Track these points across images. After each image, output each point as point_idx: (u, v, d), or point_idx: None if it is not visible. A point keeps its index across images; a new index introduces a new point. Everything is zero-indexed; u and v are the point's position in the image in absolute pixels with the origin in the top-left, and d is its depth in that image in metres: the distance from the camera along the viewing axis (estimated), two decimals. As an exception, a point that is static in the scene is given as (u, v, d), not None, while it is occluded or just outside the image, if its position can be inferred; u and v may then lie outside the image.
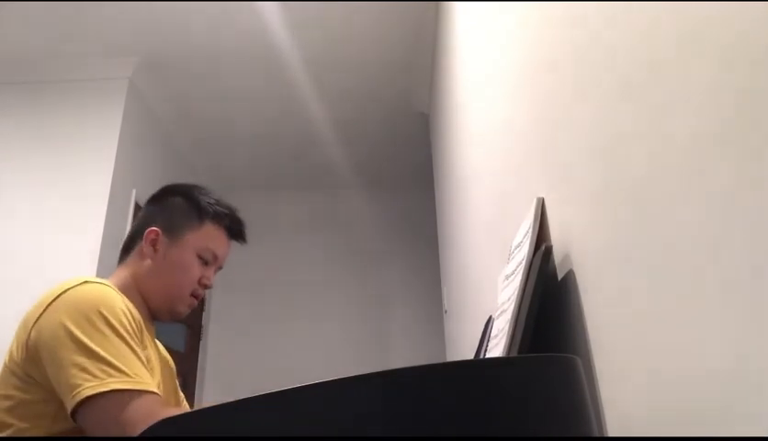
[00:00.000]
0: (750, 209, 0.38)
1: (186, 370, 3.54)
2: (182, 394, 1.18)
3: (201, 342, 3.87)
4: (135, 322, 0.93)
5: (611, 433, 0.62)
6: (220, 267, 1.17)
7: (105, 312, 0.87)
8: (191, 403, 3.49)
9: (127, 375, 0.82)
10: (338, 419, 0.36)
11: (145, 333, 0.97)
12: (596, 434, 0.44)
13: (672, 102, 0.48)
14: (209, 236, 1.12)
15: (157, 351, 1.06)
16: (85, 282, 0.92)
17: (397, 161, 3.99)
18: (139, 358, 0.87)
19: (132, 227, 1.15)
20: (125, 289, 1.03)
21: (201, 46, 2.89)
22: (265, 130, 3.61)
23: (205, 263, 1.11)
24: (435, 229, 3.25)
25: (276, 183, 4.26)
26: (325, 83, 3.18)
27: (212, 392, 3.76)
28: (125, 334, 0.87)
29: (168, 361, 1.14)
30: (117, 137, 2.84)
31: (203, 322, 3.93)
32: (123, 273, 1.08)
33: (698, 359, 0.44)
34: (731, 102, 0.40)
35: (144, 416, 0.79)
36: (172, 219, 1.11)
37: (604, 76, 0.64)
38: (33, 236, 2.67)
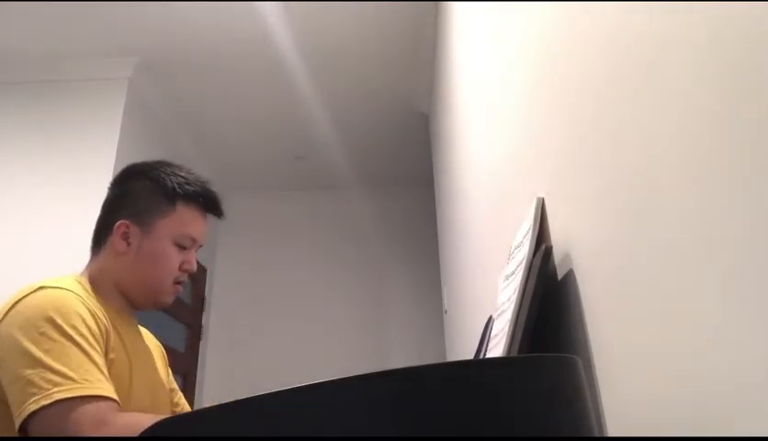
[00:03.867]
0: (750, 208, 0.38)
1: (186, 370, 3.53)
2: (175, 385, 1.14)
3: (201, 342, 3.87)
4: (99, 325, 0.88)
5: (611, 433, 0.62)
6: (201, 246, 1.10)
7: (56, 318, 0.82)
8: (191, 403, 3.49)
9: (74, 381, 0.78)
10: (337, 419, 0.36)
11: (115, 333, 0.93)
12: (596, 434, 0.44)
13: (672, 101, 0.48)
14: (184, 220, 1.04)
15: (135, 345, 1.01)
16: (40, 288, 0.88)
17: (397, 161, 3.99)
18: (93, 362, 0.82)
19: (100, 214, 1.07)
20: (98, 284, 0.99)
21: (201, 46, 2.89)
22: (264, 130, 3.61)
23: (183, 248, 1.05)
24: (435, 229, 3.25)
25: (276, 183, 4.27)
26: (325, 83, 3.18)
27: (212, 392, 3.76)
28: (77, 338, 0.82)
29: (153, 351, 1.10)
30: (117, 137, 2.84)
31: (203, 322, 3.93)
32: (96, 267, 1.03)
33: (698, 359, 0.44)
34: (731, 100, 0.40)
35: (90, 422, 0.75)
36: (140, 206, 1.03)
37: (604, 75, 0.64)
38: (33, 236, 2.67)
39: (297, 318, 4.03)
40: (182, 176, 1.06)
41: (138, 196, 1.04)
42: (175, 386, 1.15)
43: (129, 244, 1.01)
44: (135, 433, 0.75)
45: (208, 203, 1.08)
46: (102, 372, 0.82)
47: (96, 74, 2.98)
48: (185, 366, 3.51)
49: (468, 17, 1.73)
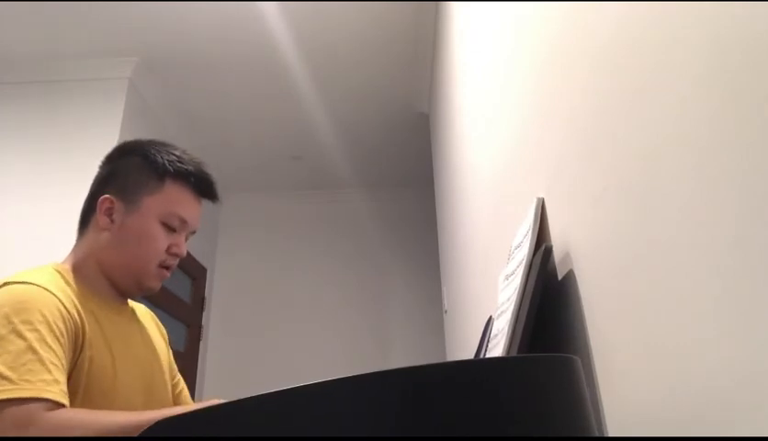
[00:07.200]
0: (750, 207, 0.38)
1: (186, 370, 3.53)
2: (177, 373, 1.09)
3: (201, 342, 3.87)
4: (66, 321, 0.82)
5: (611, 433, 0.62)
6: (194, 231, 1.02)
7: (11, 315, 0.78)
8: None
9: (9, 382, 0.73)
10: (337, 419, 0.36)
11: (95, 327, 0.87)
12: (596, 434, 0.44)
13: (672, 102, 0.48)
14: (172, 199, 0.97)
15: (123, 337, 0.94)
16: (5, 284, 0.84)
17: (397, 161, 3.99)
18: (40, 360, 0.76)
19: (88, 193, 1.01)
20: (81, 270, 0.94)
21: (201, 46, 2.89)
22: (265, 130, 3.61)
23: (172, 229, 0.98)
24: (435, 229, 3.25)
25: (277, 183, 4.26)
26: (325, 83, 3.18)
27: (212, 392, 3.76)
28: (28, 334, 0.77)
29: (152, 337, 1.04)
30: (117, 137, 2.84)
31: (203, 322, 3.93)
32: (80, 249, 0.97)
33: (698, 359, 0.44)
34: (731, 100, 0.40)
35: (12, 425, 0.71)
36: (126, 182, 0.97)
37: (604, 76, 0.64)
38: (34, 236, 2.67)
39: (297, 318, 4.03)
40: (175, 155, 1.00)
41: (126, 171, 0.98)
42: (178, 375, 1.09)
43: (112, 221, 0.96)
44: (66, 431, 0.71)
45: (200, 184, 1.01)
46: (49, 371, 0.76)
47: (96, 74, 2.98)
48: (185, 366, 3.50)
49: (468, 17, 1.73)
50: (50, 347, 0.78)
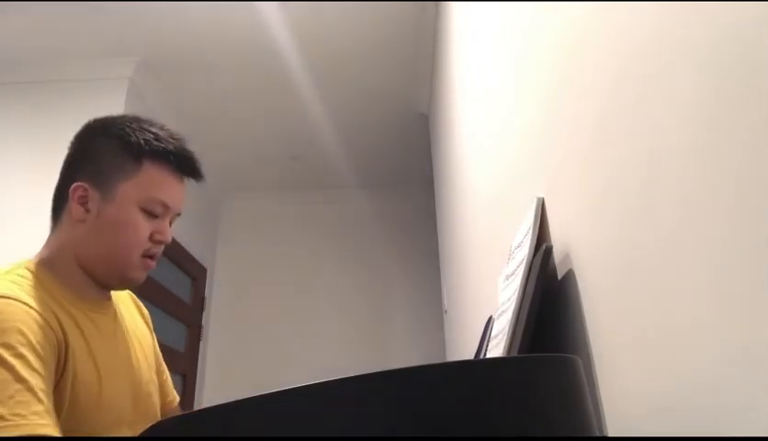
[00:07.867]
0: (750, 208, 0.38)
1: (186, 370, 3.53)
2: (163, 364, 1.04)
3: (201, 342, 3.87)
4: (47, 335, 0.75)
5: (611, 433, 0.62)
6: (178, 214, 0.95)
7: None
8: (191, 403, 3.48)
9: (2, 419, 0.66)
10: (337, 419, 0.36)
11: (76, 334, 0.81)
12: (596, 434, 0.44)
13: (673, 103, 0.48)
14: (151, 182, 0.89)
15: (105, 339, 0.88)
16: None
17: (397, 161, 3.99)
18: (29, 389, 0.69)
19: (58, 178, 0.94)
20: (56, 265, 0.87)
21: (201, 46, 2.89)
22: (265, 130, 3.61)
23: (154, 215, 0.90)
24: (435, 229, 3.25)
25: (276, 183, 4.26)
26: (325, 83, 3.18)
27: (212, 392, 3.76)
28: (12, 360, 0.69)
29: (136, 329, 0.98)
30: (117, 137, 2.84)
31: (203, 322, 3.93)
32: (54, 242, 0.89)
33: (698, 359, 0.44)
34: (731, 101, 0.40)
35: None
36: (100, 166, 0.89)
37: (605, 76, 0.64)
38: (33, 237, 2.67)
39: (296, 317, 4.03)
40: (152, 132, 0.91)
41: (99, 154, 0.91)
42: (163, 364, 1.04)
43: (87, 211, 0.88)
44: None
45: (181, 163, 0.93)
46: (40, 400, 0.70)
47: (96, 74, 2.98)
48: (185, 366, 3.50)
49: (468, 17, 1.73)
50: (36, 372, 0.71)
